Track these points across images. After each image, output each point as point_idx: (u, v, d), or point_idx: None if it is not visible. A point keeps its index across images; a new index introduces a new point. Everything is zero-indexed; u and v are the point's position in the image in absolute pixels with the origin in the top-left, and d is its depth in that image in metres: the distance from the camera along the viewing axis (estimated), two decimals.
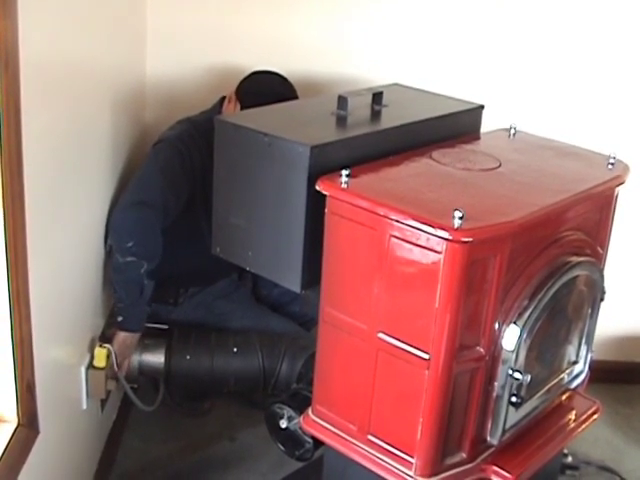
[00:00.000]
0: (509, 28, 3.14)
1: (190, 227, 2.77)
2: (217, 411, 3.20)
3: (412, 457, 1.87)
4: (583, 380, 2.26)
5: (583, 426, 2.21)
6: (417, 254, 1.73)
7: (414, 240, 1.72)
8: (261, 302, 3.10)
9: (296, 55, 3.11)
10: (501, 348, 1.86)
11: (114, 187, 2.71)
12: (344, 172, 1.84)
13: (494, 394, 1.90)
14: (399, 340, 1.82)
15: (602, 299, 2.16)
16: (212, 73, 3.15)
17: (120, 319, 2.57)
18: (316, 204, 1.89)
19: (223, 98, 2.87)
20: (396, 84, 2.56)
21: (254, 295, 3.13)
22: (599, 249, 2.15)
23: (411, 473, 1.88)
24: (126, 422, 3.08)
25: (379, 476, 1.94)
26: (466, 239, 1.66)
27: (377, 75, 2.97)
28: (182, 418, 3.14)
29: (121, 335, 2.59)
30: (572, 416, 2.21)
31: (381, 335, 1.84)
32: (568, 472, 2.88)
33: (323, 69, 3.13)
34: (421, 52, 3.17)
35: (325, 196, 1.87)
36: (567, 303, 2.06)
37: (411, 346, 1.80)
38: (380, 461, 1.93)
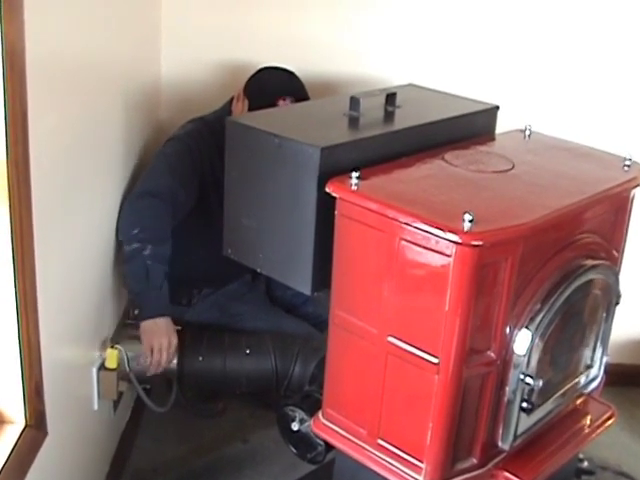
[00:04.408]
0: (525, 28, 3.12)
1: (203, 228, 2.76)
2: (230, 412, 3.20)
3: (422, 462, 1.85)
4: (598, 384, 2.23)
5: (598, 431, 2.19)
6: (427, 257, 1.71)
7: (424, 243, 1.70)
8: (275, 303, 3.09)
9: (312, 55, 3.10)
10: (512, 352, 1.84)
11: (127, 187, 2.71)
12: (354, 174, 1.82)
13: (505, 399, 1.88)
14: (409, 344, 1.80)
15: (617, 303, 2.14)
16: (227, 72, 3.15)
17: (137, 311, 2.56)
18: (327, 206, 1.87)
19: (233, 97, 2.86)
20: (411, 84, 2.54)
21: (268, 296, 3.12)
22: (614, 252, 2.13)
23: (421, 478, 1.86)
24: (139, 423, 3.08)
25: None
26: (476, 242, 1.64)
27: (392, 75, 2.97)
28: (195, 419, 3.14)
29: (145, 324, 2.55)
30: (586, 421, 2.19)
31: (391, 339, 1.83)
32: (584, 477, 2.83)
33: (338, 69, 3.13)
34: (437, 52, 3.15)
35: (335, 198, 1.85)
36: (581, 307, 2.03)
37: (421, 350, 1.78)
38: (390, 466, 1.92)
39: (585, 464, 2.82)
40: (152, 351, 2.55)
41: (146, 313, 2.57)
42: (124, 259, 2.55)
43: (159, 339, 2.56)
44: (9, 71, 1.54)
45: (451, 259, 1.67)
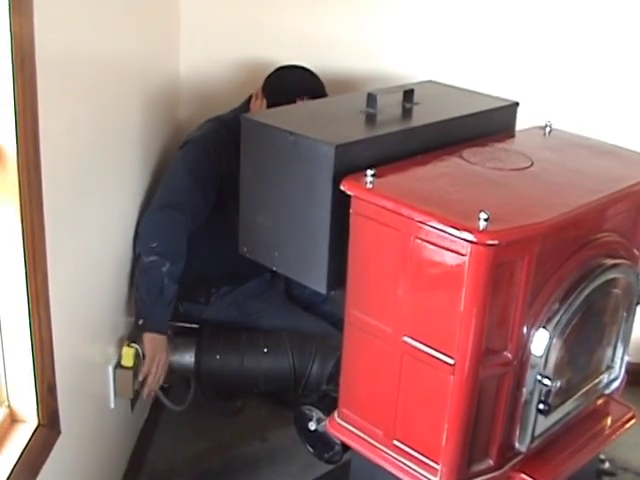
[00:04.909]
0: (546, 24, 3.08)
1: (222, 226, 2.75)
2: (249, 411, 3.18)
3: (437, 464, 1.83)
4: (619, 385, 2.20)
5: (617, 433, 2.16)
6: (441, 256, 1.69)
7: (439, 242, 1.68)
8: (294, 302, 3.07)
9: (332, 53, 3.08)
10: (530, 353, 1.81)
11: (145, 185, 2.71)
12: (369, 172, 1.80)
13: (522, 400, 1.86)
14: (424, 344, 1.78)
15: (638, 302, 2.10)
16: (246, 70, 3.14)
17: (141, 322, 2.54)
18: (342, 204, 1.85)
19: (251, 96, 2.85)
20: (430, 81, 2.52)
21: (287, 294, 3.10)
22: (635, 251, 2.09)
23: None
24: (158, 421, 3.07)
25: None
26: (491, 241, 1.62)
27: (412, 72, 2.93)
28: (214, 417, 3.12)
29: (148, 336, 2.54)
30: (606, 422, 2.16)
31: (406, 339, 1.81)
32: (605, 478, 2.80)
33: (358, 67, 3.11)
34: (457, 48, 3.12)
35: (350, 196, 1.83)
36: (601, 307, 2.00)
37: (436, 350, 1.76)
38: (405, 467, 1.90)
39: (606, 465, 2.79)
40: (152, 363, 2.54)
41: (153, 326, 2.56)
42: (139, 268, 2.54)
43: (161, 352, 2.57)
44: (19, 68, 1.53)
45: (466, 258, 1.64)
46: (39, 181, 1.67)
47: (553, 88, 3.12)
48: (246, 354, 2.70)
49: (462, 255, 1.65)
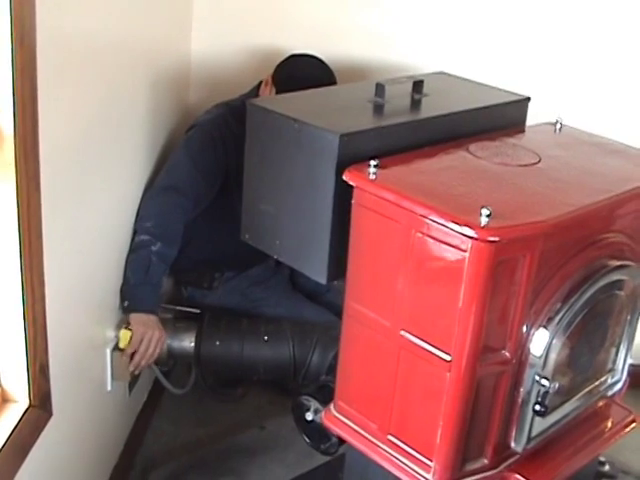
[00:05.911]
0: (560, 17, 3.04)
1: (226, 211, 2.73)
2: (250, 398, 3.18)
3: (431, 461, 1.81)
4: (621, 387, 2.17)
5: (617, 436, 2.13)
6: (442, 251, 1.65)
7: (439, 237, 1.65)
8: (298, 290, 3.05)
9: (344, 41, 3.08)
10: (529, 352, 1.78)
11: (151, 168, 2.69)
12: (372, 162, 1.77)
13: (519, 400, 1.83)
14: (421, 339, 1.75)
15: None
16: (258, 56, 3.12)
17: (126, 304, 2.48)
18: (345, 195, 1.82)
19: (261, 82, 2.82)
20: (442, 72, 2.48)
21: (291, 283, 3.08)
22: None
23: (429, 477, 1.81)
24: (157, 404, 3.07)
25: (397, 478, 1.88)
26: (492, 238, 1.58)
27: (424, 63, 2.91)
28: (214, 403, 3.12)
29: (134, 316, 2.48)
30: (606, 425, 2.13)
31: (403, 333, 1.78)
32: None
33: (372, 57, 3.09)
34: (470, 40, 3.10)
35: (353, 187, 1.80)
36: (604, 308, 1.96)
37: (433, 346, 1.73)
38: (399, 462, 1.87)
39: (606, 467, 2.77)
40: (141, 342, 2.47)
41: (137, 306, 2.49)
42: (131, 247, 2.51)
43: (152, 330, 2.49)
44: (18, 47, 1.50)
45: (466, 254, 1.61)
46: (37, 160, 1.65)
47: (566, 84, 3.09)
48: (246, 341, 2.68)
49: (462, 251, 1.62)
